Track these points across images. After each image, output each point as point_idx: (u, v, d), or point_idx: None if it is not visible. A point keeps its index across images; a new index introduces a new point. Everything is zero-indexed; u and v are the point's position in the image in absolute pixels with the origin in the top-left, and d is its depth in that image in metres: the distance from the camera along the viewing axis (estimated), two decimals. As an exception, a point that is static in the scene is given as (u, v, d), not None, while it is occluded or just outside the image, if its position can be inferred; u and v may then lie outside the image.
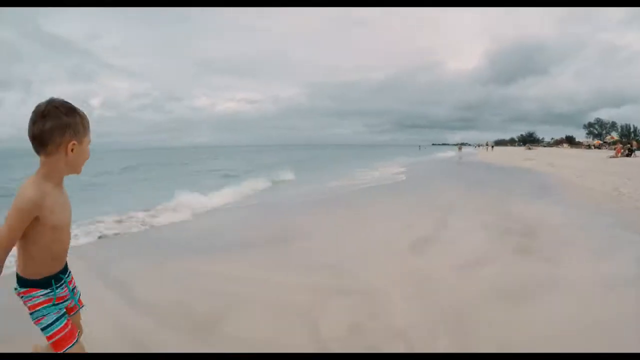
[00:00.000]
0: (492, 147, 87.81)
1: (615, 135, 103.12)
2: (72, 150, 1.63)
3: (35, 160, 1.66)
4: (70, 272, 1.91)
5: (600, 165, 21.28)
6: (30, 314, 1.73)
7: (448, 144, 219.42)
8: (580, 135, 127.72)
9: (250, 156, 50.93)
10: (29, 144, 1.63)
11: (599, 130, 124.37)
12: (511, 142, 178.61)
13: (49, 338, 1.72)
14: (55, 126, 1.58)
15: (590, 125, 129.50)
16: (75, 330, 1.81)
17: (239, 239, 5.82)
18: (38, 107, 1.60)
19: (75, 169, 1.72)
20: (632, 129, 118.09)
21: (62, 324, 1.74)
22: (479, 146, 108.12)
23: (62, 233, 1.73)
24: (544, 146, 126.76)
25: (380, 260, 4.56)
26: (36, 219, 1.59)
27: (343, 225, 6.80)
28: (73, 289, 1.91)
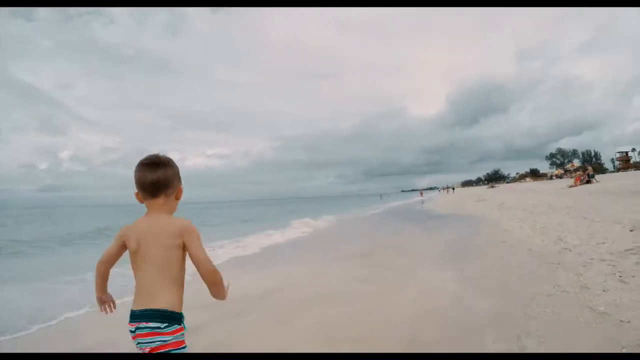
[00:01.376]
0: (453, 189, 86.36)
1: (576, 163, 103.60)
2: (180, 193, 1.95)
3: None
4: None
5: (554, 199, 17.68)
6: (180, 348, 1.75)
7: (417, 189, 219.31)
8: (544, 167, 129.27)
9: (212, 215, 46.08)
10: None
11: (561, 160, 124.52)
12: (477, 181, 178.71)
13: None
14: (175, 173, 1.91)
15: (552, 155, 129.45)
16: None
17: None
18: (157, 157, 1.87)
19: (176, 208, 1.96)
20: (593, 154, 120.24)
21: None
22: (442, 189, 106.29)
23: None
24: (508, 182, 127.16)
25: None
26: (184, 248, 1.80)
27: None
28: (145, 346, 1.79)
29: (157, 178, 1.82)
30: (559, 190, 24.40)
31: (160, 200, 1.86)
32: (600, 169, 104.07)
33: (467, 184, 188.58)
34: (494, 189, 61.10)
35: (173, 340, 1.72)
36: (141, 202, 1.89)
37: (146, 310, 1.72)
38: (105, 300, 2.02)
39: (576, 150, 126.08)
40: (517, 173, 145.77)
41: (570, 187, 27.25)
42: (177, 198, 1.94)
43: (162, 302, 1.73)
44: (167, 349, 1.71)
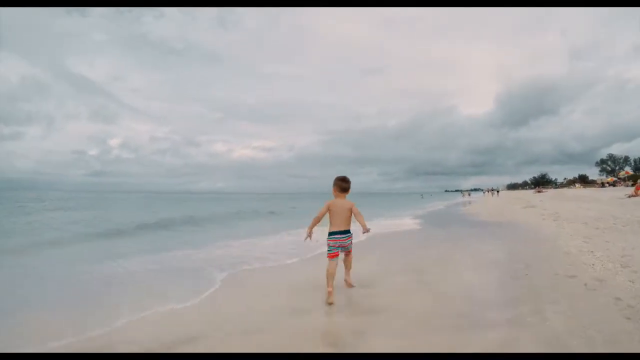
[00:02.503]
0: (498, 192, 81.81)
1: (629, 170, 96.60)
2: (349, 192, 5.08)
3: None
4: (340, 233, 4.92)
5: (618, 211, 14.72)
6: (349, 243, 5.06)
7: (460, 190, 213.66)
8: (594, 173, 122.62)
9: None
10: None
11: (612, 167, 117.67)
12: (523, 185, 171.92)
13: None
14: (350, 185, 5.04)
15: (602, 162, 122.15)
16: (334, 256, 4.84)
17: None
18: (346, 177, 5.05)
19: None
20: None
21: (330, 252, 4.86)
22: (487, 191, 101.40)
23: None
24: (555, 187, 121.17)
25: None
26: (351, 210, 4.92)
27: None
28: (341, 244, 4.91)
29: (347, 187, 4.99)
30: (618, 200, 21.29)
31: (344, 194, 4.96)
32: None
33: (512, 187, 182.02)
34: (541, 193, 57.15)
35: (352, 240, 5.10)
36: (335, 193, 4.99)
37: (342, 230, 4.86)
38: (310, 234, 4.91)
39: (628, 157, 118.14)
40: (565, 178, 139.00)
41: (629, 196, 24.14)
42: (347, 193, 5.02)
43: (347, 227, 4.91)
44: (351, 243, 5.08)
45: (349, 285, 5.30)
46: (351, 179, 5.03)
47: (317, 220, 4.91)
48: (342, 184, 5.00)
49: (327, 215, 4.94)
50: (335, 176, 5.04)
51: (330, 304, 4.55)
